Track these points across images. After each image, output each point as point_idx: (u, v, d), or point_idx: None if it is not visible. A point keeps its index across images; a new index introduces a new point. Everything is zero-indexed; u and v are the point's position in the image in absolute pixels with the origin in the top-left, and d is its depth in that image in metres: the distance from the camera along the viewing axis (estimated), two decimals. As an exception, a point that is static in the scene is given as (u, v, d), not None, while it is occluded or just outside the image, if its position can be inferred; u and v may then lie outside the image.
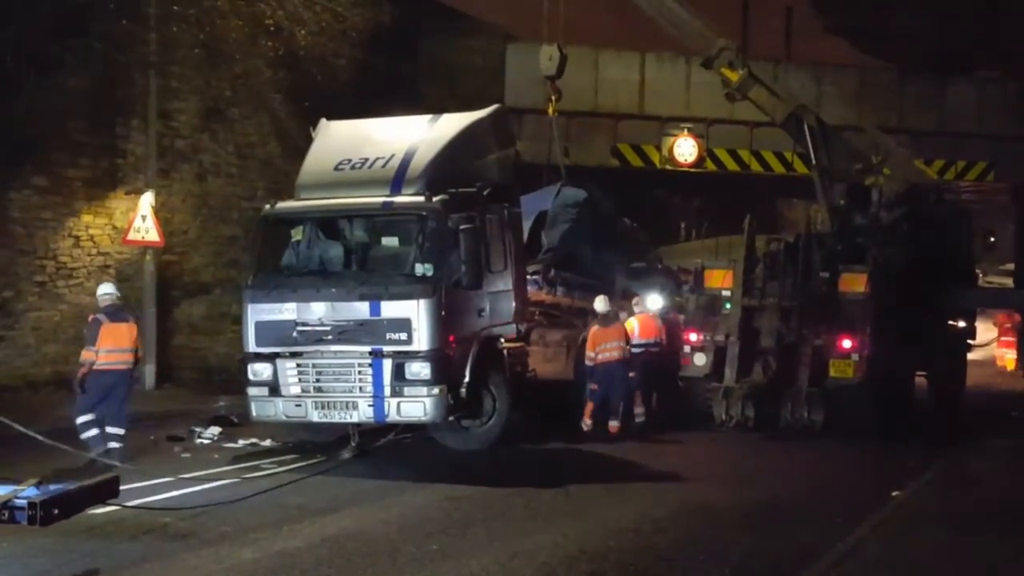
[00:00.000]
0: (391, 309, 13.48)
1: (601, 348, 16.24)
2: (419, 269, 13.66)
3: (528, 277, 17.19)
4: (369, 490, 12.19)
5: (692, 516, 11.27)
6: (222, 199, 22.02)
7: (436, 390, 13.41)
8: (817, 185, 20.33)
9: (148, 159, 20.01)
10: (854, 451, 15.84)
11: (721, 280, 17.89)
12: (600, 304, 16.61)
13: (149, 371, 19.76)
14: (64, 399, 17.70)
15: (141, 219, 19.16)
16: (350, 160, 14.67)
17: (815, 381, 16.83)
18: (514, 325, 15.66)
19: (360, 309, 13.60)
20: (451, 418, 14.06)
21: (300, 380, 13.76)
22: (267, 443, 15.07)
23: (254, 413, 14.13)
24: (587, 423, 16.48)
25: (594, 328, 16.47)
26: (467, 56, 28.12)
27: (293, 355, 13.76)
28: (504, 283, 15.43)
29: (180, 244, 21.11)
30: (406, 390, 13.42)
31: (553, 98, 21.96)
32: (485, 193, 14.71)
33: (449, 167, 14.54)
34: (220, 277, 21.62)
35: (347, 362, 13.59)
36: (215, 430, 15.61)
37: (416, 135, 14.99)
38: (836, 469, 14.87)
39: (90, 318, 13.58)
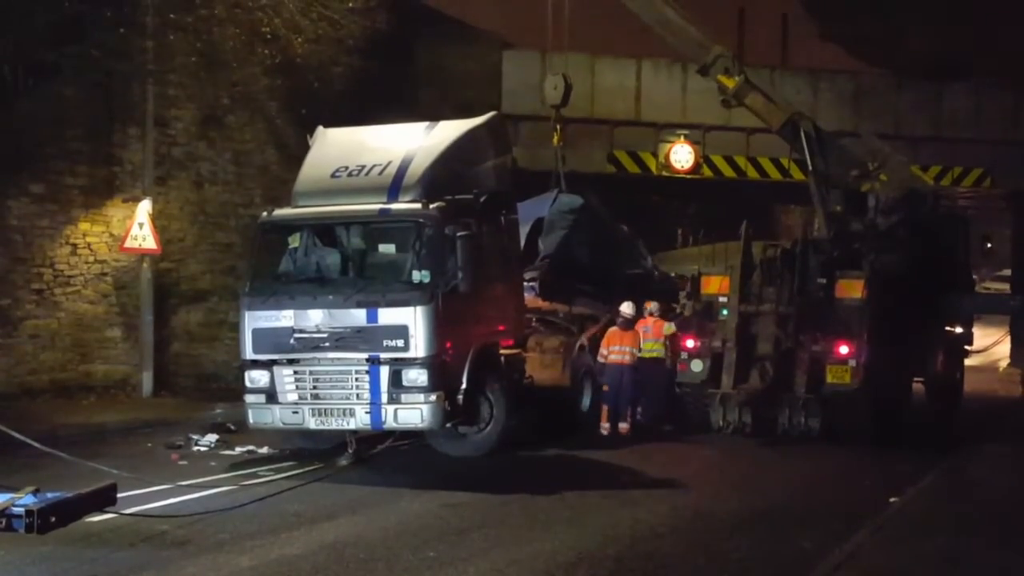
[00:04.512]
0: (388, 316, 13.47)
1: (613, 349, 16.94)
2: (416, 276, 13.63)
3: (525, 283, 17.23)
4: (366, 497, 12.17)
5: (690, 522, 11.27)
6: (219, 206, 22.00)
7: (433, 397, 13.40)
8: (814, 191, 20.31)
9: (145, 167, 19.99)
10: (852, 457, 15.84)
11: (718, 286, 17.92)
12: (626, 308, 17.19)
13: (146, 379, 19.75)
14: (62, 407, 17.76)
15: (138, 227, 19.15)
16: (347, 167, 14.66)
17: (812, 387, 16.83)
18: (511, 331, 15.69)
19: (357, 316, 13.58)
20: (448, 425, 14.04)
21: (297, 387, 13.74)
22: (264, 450, 15.04)
23: (251, 420, 14.11)
24: (605, 427, 16.59)
25: (612, 328, 17.16)
26: (463, 63, 28.13)
27: (290, 362, 13.75)
28: (501, 290, 15.45)
29: (177, 251, 21.10)
30: (403, 397, 13.40)
31: (558, 127, 21.91)
32: (482, 200, 14.70)
33: (446, 174, 14.54)
34: (217, 284, 21.61)
35: (344, 369, 13.58)
36: (212, 437, 15.60)
37: (413, 142, 14.98)
38: (834, 475, 14.88)
39: None
